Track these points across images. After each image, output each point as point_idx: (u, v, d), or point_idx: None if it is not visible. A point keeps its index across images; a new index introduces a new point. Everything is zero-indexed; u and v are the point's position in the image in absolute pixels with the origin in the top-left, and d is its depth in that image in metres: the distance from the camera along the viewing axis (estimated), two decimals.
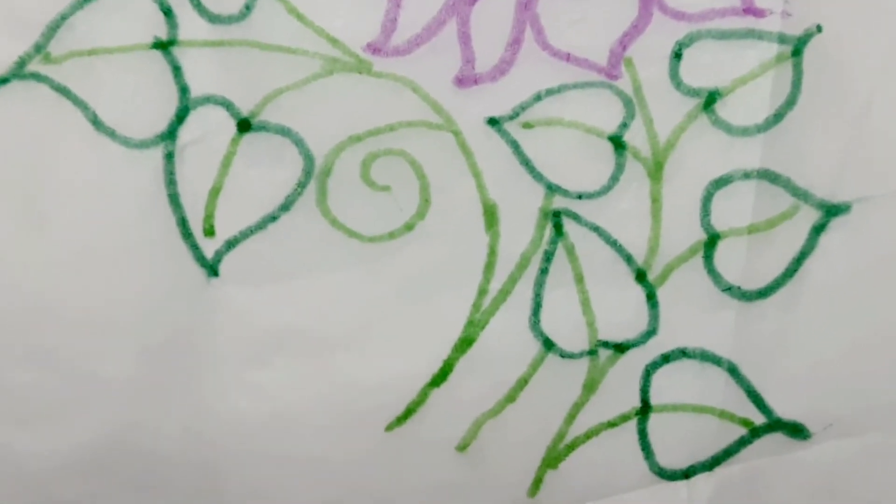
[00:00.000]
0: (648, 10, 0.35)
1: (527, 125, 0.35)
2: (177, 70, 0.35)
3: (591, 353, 0.36)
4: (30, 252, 0.35)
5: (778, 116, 0.35)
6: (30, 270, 0.35)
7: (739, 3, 0.35)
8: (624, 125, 0.35)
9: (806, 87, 0.35)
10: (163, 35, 0.34)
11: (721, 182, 0.35)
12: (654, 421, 0.37)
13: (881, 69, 0.34)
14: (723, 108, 0.35)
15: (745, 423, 0.37)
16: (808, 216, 0.35)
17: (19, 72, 0.34)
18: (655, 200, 0.35)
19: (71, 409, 0.36)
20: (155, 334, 0.36)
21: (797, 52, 0.35)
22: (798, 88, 0.35)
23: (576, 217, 0.36)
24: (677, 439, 0.37)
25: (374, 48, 0.35)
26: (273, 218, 0.35)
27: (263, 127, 0.35)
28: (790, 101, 0.35)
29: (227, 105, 0.35)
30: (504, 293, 0.36)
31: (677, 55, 0.35)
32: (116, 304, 0.36)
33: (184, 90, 0.35)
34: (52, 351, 0.36)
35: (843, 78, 0.35)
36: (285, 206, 0.35)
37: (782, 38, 0.35)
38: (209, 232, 0.35)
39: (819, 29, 0.34)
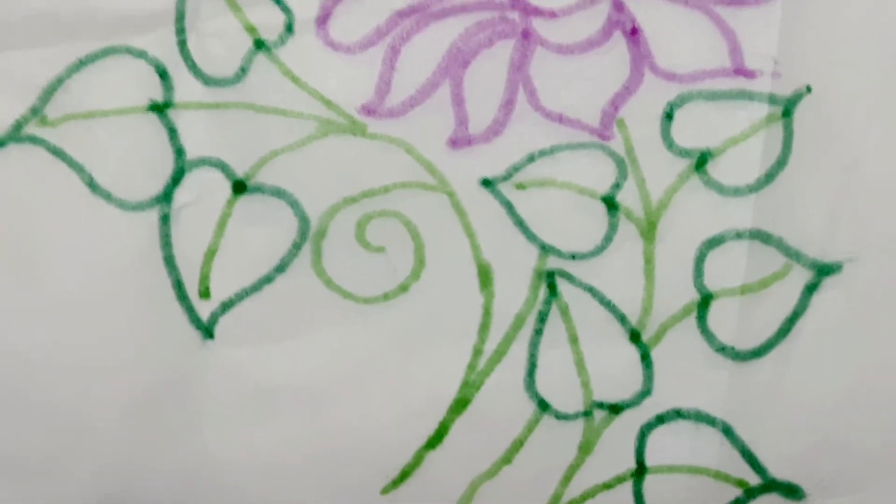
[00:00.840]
0: (640, 71, 0.35)
1: (520, 186, 0.35)
2: (172, 132, 0.35)
3: (587, 413, 0.36)
4: (25, 312, 0.35)
5: (769, 176, 0.35)
6: (26, 330, 0.35)
7: (730, 63, 0.35)
8: (617, 185, 0.35)
9: (797, 147, 0.35)
10: (158, 97, 0.35)
11: (714, 242, 0.35)
12: (649, 482, 0.37)
13: (871, 129, 0.35)
14: (714, 169, 0.35)
15: (740, 483, 0.37)
16: (801, 276, 0.35)
17: (16, 134, 0.35)
18: (649, 261, 0.36)
19: (63, 465, 0.36)
20: (149, 391, 0.36)
21: (787, 113, 0.35)
22: (789, 148, 0.35)
23: (570, 277, 0.36)
24: (673, 500, 0.37)
25: (369, 110, 0.35)
26: (268, 279, 0.35)
27: (259, 188, 0.35)
28: (781, 161, 0.35)
29: (223, 167, 0.35)
30: (499, 354, 0.36)
31: (669, 116, 0.35)
32: (111, 363, 0.36)
33: (179, 152, 0.35)
34: (46, 409, 0.36)
35: (833, 138, 0.35)
36: (280, 268, 0.35)
37: (773, 99, 0.35)
38: (205, 294, 0.36)
39: (809, 89, 0.35)
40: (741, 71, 0.35)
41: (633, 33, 0.35)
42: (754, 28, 0.35)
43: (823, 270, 0.35)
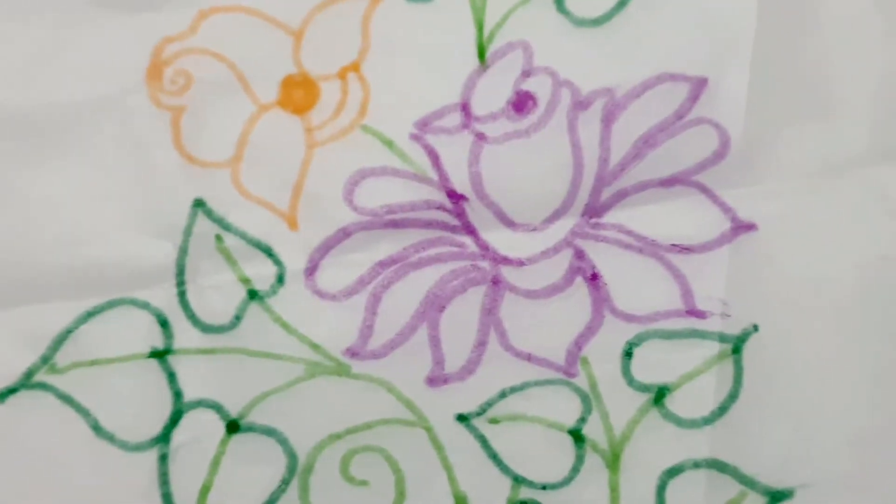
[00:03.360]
0: (600, 312, 0.38)
1: (493, 420, 0.38)
2: (171, 376, 0.38)
3: None
4: None
5: (722, 409, 0.38)
6: None
7: (682, 305, 0.38)
8: (582, 419, 0.38)
9: (747, 381, 0.38)
10: (159, 345, 0.38)
11: (673, 471, 0.38)
12: None
13: (815, 364, 0.38)
14: (672, 402, 0.38)
15: None
16: (756, 502, 0.38)
17: (27, 382, 0.37)
18: (614, 490, 0.38)
19: None
20: None
21: (737, 350, 0.38)
22: (740, 383, 0.38)
23: None
24: None
25: (353, 352, 0.38)
26: None
27: (251, 427, 0.38)
28: (733, 395, 0.38)
29: (218, 408, 0.38)
30: None
31: (628, 354, 0.38)
32: None
33: (177, 395, 0.38)
34: None
35: (780, 372, 0.38)
36: (270, 503, 0.38)
37: (723, 338, 0.38)
38: None
39: (755, 328, 0.38)
40: (693, 312, 0.38)
41: (594, 279, 0.38)
42: (704, 273, 0.38)
43: (777, 497, 0.38)
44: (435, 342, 0.38)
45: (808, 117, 0.38)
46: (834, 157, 0.38)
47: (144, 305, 0.38)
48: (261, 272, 0.38)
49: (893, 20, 0.38)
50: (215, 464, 0.38)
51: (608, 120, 0.38)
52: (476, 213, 0.38)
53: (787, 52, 0.38)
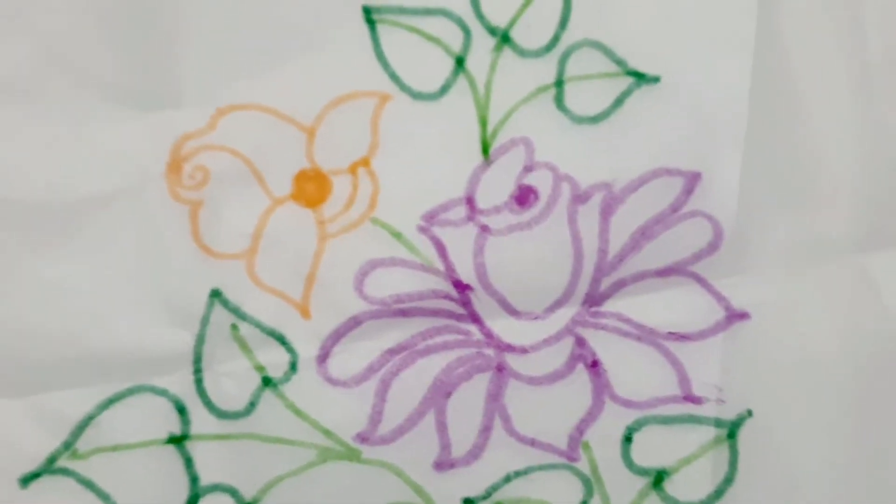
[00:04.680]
0: (601, 398, 0.40)
1: None
2: (188, 461, 0.39)
3: None
4: None
5: (718, 493, 0.40)
6: None
7: (679, 391, 0.40)
8: (584, 503, 0.40)
9: (742, 466, 0.40)
10: (176, 430, 0.39)
11: None
12: None
13: (809, 447, 0.40)
14: (670, 486, 0.40)
15: None
16: None
17: (49, 467, 0.39)
18: None
19: None
20: None
21: (732, 435, 0.40)
22: (735, 467, 0.40)
23: None
24: None
25: (363, 437, 0.40)
26: None
27: None
28: (728, 479, 0.40)
29: (233, 492, 0.39)
30: None
31: (628, 438, 0.40)
32: None
33: (194, 479, 0.39)
34: None
35: (774, 456, 0.40)
36: None
37: (719, 423, 0.40)
38: None
39: (750, 413, 0.40)
40: (689, 398, 0.40)
41: (594, 366, 0.40)
42: (700, 360, 0.40)
43: None
44: (442, 427, 0.40)
45: (796, 206, 0.40)
46: (822, 245, 0.40)
47: (163, 392, 0.39)
48: (275, 360, 0.39)
49: (879, 111, 0.40)
50: None
51: (607, 213, 0.40)
52: (481, 302, 0.40)
53: (776, 143, 0.40)
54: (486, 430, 0.40)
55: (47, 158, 0.39)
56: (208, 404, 0.39)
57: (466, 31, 0.39)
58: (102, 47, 0.38)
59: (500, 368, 0.40)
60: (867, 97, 0.40)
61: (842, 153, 0.40)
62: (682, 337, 0.40)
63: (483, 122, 0.40)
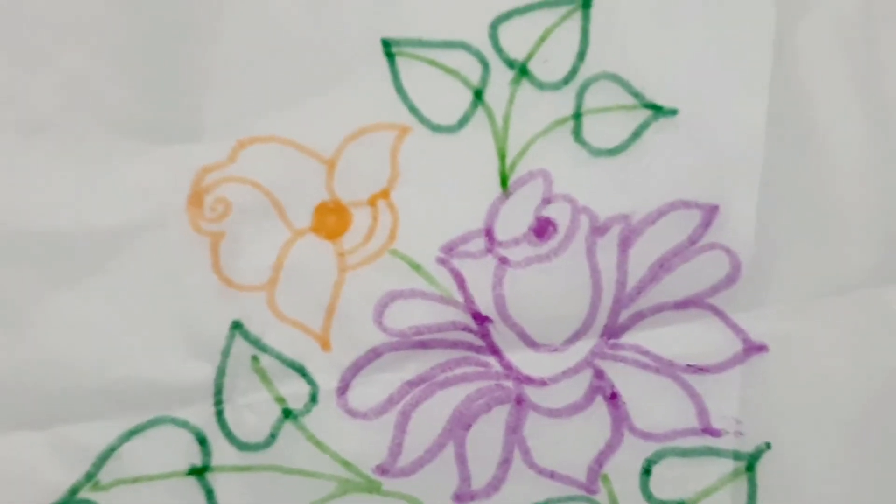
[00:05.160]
0: (620, 431, 0.40)
1: None
2: (209, 493, 0.39)
3: None
4: None
5: None
6: None
7: (698, 424, 0.40)
8: None
9: (761, 498, 0.40)
10: (197, 462, 0.39)
11: None
12: None
13: (827, 478, 0.40)
14: None
15: None
16: None
17: (72, 498, 0.39)
18: None
19: None
20: None
21: (751, 468, 0.40)
22: (753, 500, 0.40)
23: None
24: None
25: (383, 470, 0.40)
26: None
27: None
28: None
29: None
30: None
31: (647, 471, 0.40)
32: None
33: None
34: None
35: (794, 489, 0.40)
36: None
37: (737, 455, 0.40)
38: None
39: (768, 446, 0.40)
40: (708, 430, 0.40)
41: (613, 398, 0.40)
42: (718, 392, 0.40)
43: None
44: (461, 460, 0.40)
45: (814, 240, 0.40)
46: (839, 278, 0.40)
47: (184, 424, 0.39)
48: (295, 391, 0.40)
49: (894, 143, 0.40)
50: None
51: (625, 245, 0.40)
52: (500, 334, 0.40)
53: (793, 176, 0.40)
54: (505, 462, 0.40)
55: (70, 192, 0.39)
56: (229, 436, 0.39)
57: (485, 64, 0.40)
58: (125, 82, 0.38)
59: (520, 400, 0.40)
60: (883, 131, 0.40)
61: (859, 186, 0.40)
62: (700, 369, 0.40)
63: (502, 155, 0.40)
